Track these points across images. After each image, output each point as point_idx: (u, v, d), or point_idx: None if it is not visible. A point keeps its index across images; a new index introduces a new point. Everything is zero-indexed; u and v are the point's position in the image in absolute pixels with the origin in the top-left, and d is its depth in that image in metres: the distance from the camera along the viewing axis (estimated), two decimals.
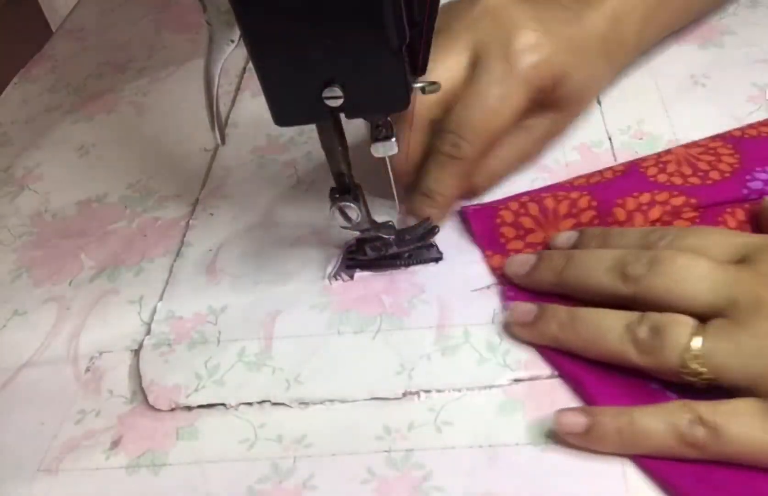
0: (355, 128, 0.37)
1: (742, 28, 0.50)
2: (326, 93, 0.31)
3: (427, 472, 0.31)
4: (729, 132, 0.42)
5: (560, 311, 0.33)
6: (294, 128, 0.50)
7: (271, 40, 0.31)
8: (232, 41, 0.33)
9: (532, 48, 0.38)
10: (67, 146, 0.55)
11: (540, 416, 0.32)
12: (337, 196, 0.37)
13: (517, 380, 0.33)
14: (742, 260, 0.30)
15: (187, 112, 0.55)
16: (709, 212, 0.37)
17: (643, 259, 0.32)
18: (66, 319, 0.41)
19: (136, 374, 0.37)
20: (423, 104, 0.38)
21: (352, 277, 0.40)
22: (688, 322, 0.30)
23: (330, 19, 0.29)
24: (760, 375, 0.28)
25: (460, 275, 0.39)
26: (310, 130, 0.49)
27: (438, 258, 0.40)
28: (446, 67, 0.38)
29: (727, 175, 0.38)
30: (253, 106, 0.55)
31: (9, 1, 0.65)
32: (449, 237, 0.41)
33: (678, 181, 0.39)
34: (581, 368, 0.32)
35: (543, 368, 0.33)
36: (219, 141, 0.37)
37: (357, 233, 0.39)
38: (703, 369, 0.29)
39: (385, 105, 0.33)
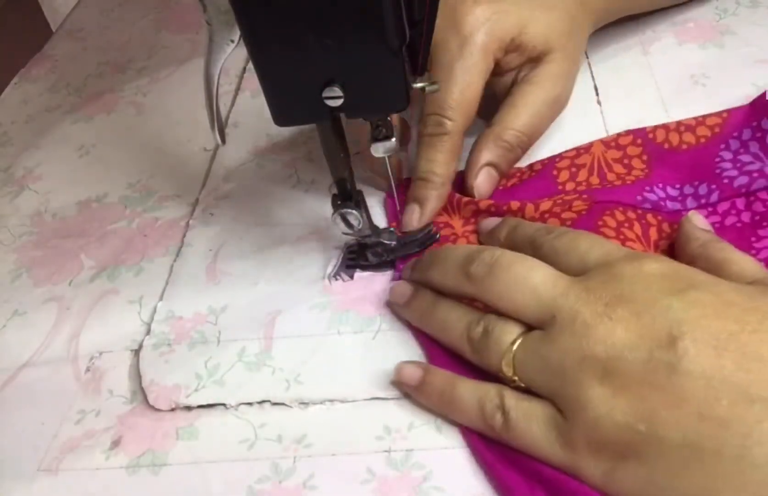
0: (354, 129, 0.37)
1: (742, 28, 0.50)
2: (326, 93, 0.31)
3: (427, 472, 0.31)
4: (654, 129, 0.42)
5: (426, 298, 0.35)
6: (294, 128, 0.50)
7: (271, 40, 0.31)
8: (232, 41, 0.33)
9: (480, 17, 0.40)
10: (67, 146, 0.55)
11: None
12: (339, 202, 0.37)
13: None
14: (585, 272, 0.31)
15: (187, 112, 0.55)
16: (596, 207, 0.38)
17: (487, 259, 0.32)
18: (66, 319, 0.41)
19: (136, 374, 0.37)
20: None
21: (352, 277, 0.40)
22: (513, 330, 0.31)
23: (330, 19, 0.29)
24: (557, 389, 0.29)
25: None
26: (310, 130, 0.49)
27: (436, 239, 0.40)
28: None
29: (629, 182, 0.40)
30: (253, 106, 0.55)
31: (9, 1, 0.65)
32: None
33: (583, 187, 0.41)
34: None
35: None
36: (219, 141, 0.37)
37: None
38: (515, 377, 0.30)
39: (385, 105, 0.33)
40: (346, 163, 0.36)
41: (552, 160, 0.43)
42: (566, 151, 0.43)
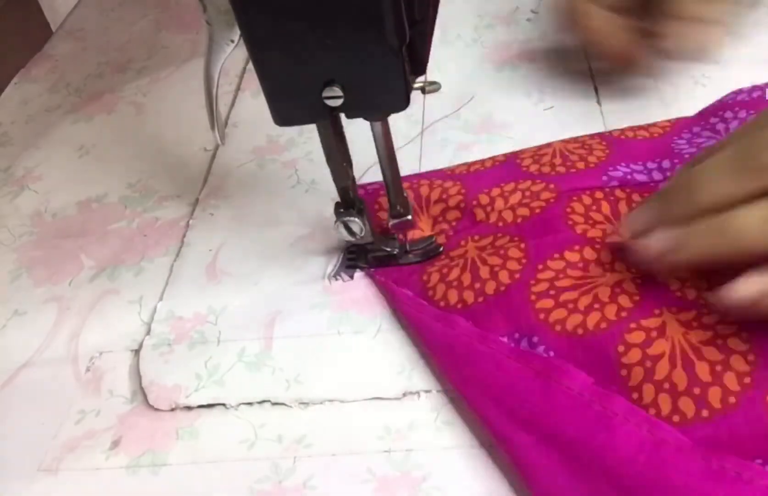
0: (355, 129, 0.37)
1: (742, 28, 0.50)
2: (326, 93, 0.31)
3: (427, 472, 0.31)
4: (610, 131, 0.44)
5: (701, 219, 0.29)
6: (294, 128, 0.50)
7: (271, 40, 0.31)
8: (232, 41, 0.33)
9: None
10: (67, 146, 0.55)
11: None
12: (342, 210, 0.37)
13: None
14: None
15: (187, 112, 0.55)
16: (563, 195, 0.38)
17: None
18: (66, 319, 0.41)
19: (136, 374, 0.37)
20: None
21: (352, 277, 0.40)
22: None
23: (330, 19, 0.29)
24: None
25: None
26: (310, 130, 0.49)
27: (438, 252, 0.40)
28: None
29: (592, 166, 0.40)
30: (253, 106, 0.55)
31: (9, 1, 0.65)
32: None
33: (547, 170, 0.41)
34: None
35: None
36: (219, 141, 0.37)
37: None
38: None
39: (385, 105, 0.33)
40: (347, 171, 0.36)
41: (514, 153, 0.44)
42: (527, 148, 0.44)
